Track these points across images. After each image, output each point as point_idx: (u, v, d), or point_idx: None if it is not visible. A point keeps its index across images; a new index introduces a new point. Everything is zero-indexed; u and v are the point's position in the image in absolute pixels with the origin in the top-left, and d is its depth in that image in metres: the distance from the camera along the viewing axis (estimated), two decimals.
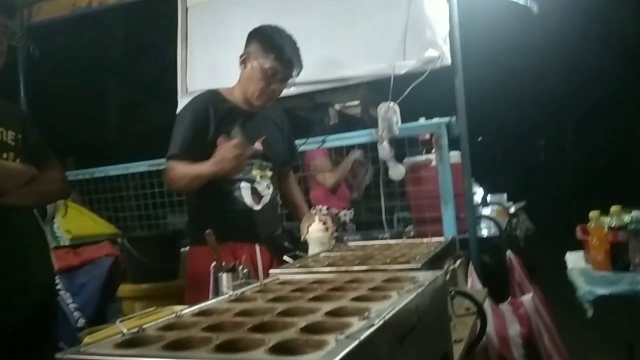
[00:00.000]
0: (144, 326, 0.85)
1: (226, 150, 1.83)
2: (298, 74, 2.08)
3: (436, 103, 3.01)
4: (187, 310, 0.95)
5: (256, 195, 2.04)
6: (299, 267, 1.43)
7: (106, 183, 3.29)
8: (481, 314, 1.46)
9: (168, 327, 0.85)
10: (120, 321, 0.86)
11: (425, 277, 1.05)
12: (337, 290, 1.02)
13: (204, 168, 1.88)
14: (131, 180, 3.19)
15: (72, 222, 3.10)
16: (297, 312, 0.86)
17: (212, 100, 2.04)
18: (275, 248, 2.08)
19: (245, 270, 1.53)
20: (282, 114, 2.27)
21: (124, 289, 2.62)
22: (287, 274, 1.33)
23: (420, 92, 2.43)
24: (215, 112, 2.00)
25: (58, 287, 2.88)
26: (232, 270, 1.48)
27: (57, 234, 3.04)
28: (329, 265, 1.40)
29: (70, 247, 3.01)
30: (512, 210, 3.71)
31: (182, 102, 3.01)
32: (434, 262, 1.38)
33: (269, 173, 2.11)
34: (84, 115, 5.36)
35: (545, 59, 10.23)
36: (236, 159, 1.82)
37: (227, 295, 1.08)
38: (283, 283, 1.19)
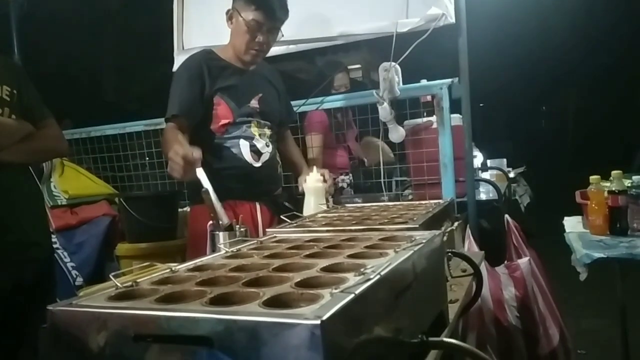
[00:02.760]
0: (138, 280, 0.84)
1: (176, 155, 1.63)
2: (283, 21, 2.02)
3: (438, 65, 2.95)
4: (182, 266, 0.95)
5: (255, 152, 2.03)
6: (296, 226, 1.42)
7: (103, 142, 3.26)
8: (477, 275, 1.46)
9: (162, 281, 0.84)
10: (114, 276, 0.85)
11: (423, 236, 1.04)
12: (333, 248, 1.01)
13: (167, 148, 1.78)
14: (128, 139, 3.15)
15: (69, 181, 3.09)
16: (293, 268, 0.85)
17: (205, 59, 2.02)
18: (276, 207, 2.09)
19: (242, 229, 1.52)
20: (277, 73, 2.24)
21: (122, 248, 2.63)
22: (284, 232, 1.32)
23: (422, 54, 2.37)
24: (209, 71, 1.98)
25: (56, 245, 2.89)
26: (230, 229, 1.47)
27: (54, 193, 3.03)
28: (326, 225, 1.39)
29: (68, 206, 3.01)
30: (511, 175, 3.70)
31: (179, 59, 2.95)
32: (431, 223, 1.37)
33: (268, 132, 2.10)
34: (80, 74, 5.27)
35: (549, 23, 10.00)
36: (176, 168, 1.63)
37: (222, 252, 1.07)
38: (279, 241, 1.18)
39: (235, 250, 1.07)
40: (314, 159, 2.80)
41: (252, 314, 0.60)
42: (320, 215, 1.65)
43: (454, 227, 1.62)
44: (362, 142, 3.13)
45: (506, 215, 2.42)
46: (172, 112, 1.92)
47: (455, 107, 2.39)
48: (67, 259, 2.88)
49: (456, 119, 2.45)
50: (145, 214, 2.50)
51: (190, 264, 0.97)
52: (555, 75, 12.19)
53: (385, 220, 1.37)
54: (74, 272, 2.87)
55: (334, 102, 2.62)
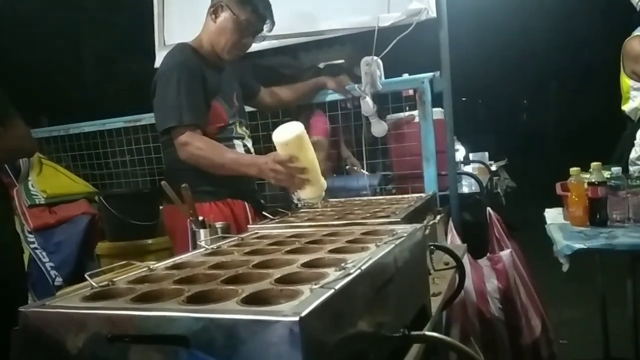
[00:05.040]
0: (114, 279, 0.82)
1: (267, 166, 1.67)
2: (270, 30, 2.04)
3: (419, 59, 2.95)
4: (160, 264, 0.93)
5: (247, 152, 2.05)
6: (278, 222, 1.41)
7: (82, 140, 3.19)
8: (460, 268, 1.46)
9: (139, 280, 0.82)
10: (90, 275, 0.83)
11: (405, 230, 1.03)
12: (314, 243, 1.00)
13: (239, 165, 1.80)
14: (108, 136, 3.09)
15: (47, 180, 3.03)
16: (273, 265, 0.84)
17: (197, 59, 1.96)
18: (259, 205, 2.10)
19: (220, 225, 1.51)
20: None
21: (102, 247, 2.58)
22: (266, 229, 1.31)
23: (403, 48, 2.37)
24: (204, 71, 1.94)
25: (34, 245, 2.84)
26: (203, 226, 1.45)
27: (32, 192, 2.97)
28: (308, 220, 1.38)
29: (46, 205, 2.95)
30: (493, 168, 3.73)
31: (160, 54, 2.91)
32: (414, 217, 1.37)
33: (247, 131, 2.12)
34: (58, 70, 5.16)
35: (531, 17, 10.10)
36: (274, 178, 1.68)
37: (202, 249, 1.05)
38: (261, 237, 1.17)
39: (215, 248, 1.06)
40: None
41: (229, 311, 0.59)
42: (302, 210, 1.64)
43: (436, 221, 1.62)
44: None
45: (488, 208, 2.43)
46: (188, 120, 1.82)
47: (437, 101, 2.39)
48: (46, 259, 2.84)
49: (438, 112, 2.45)
50: (125, 212, 2.46)
51: (168, 261, 0.95)
52: (536, 69, 12.32)
53: (368, 215, 1.37)
54: (52, 272, 2.82)
55: (316, 96, 2.60)
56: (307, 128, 3.08)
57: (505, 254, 2.17)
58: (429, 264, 1.42)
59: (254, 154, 2.07)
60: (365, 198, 1.85)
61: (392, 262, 0.85)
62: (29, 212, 2.90)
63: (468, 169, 3.63)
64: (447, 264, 1.55)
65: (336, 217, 1.38)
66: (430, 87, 2.33)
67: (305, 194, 1.62)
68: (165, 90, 1.88)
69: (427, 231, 1.46)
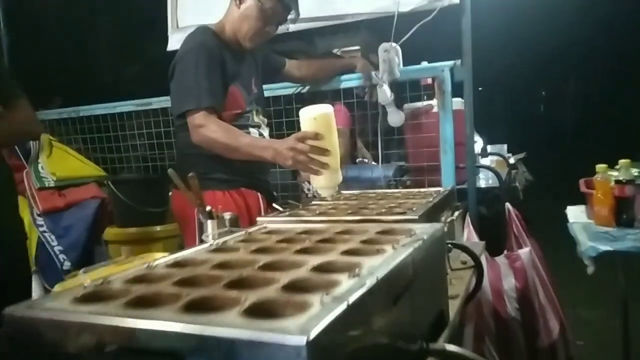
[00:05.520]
0: (110, 278, 0.76)
1: (287, 145, 1.59)
2: (294, 20, 1.98)
3: (438, 47, 2.85)
4: (161, 261, 0.86)
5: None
6: (289, 215, 1.34)
7: (93, 122, 3.15)
8: (478, 268, 1.39)
9: (136, 279, 0.76)
10: (84, 271, 0.77)
11: (423, 229, 0.96)
12: (326, 242, 0.93)
13: (254, 148, 1.72)
14: (119, 119, 3.05)
15: (57, 163, 3.00)
16: (281, 266, 0.77)
17: (218, 43, 1.90)
18: (271, 197, 2.05)
19: (228, 216, 1.45)
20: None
21: (110, 233, 2.55)
22: (276, 222, 1.24)
23: (423, 35, 2.28)
24: (224, 56, 1.88)
25: (43, 229, 2.82)
26: (210, 216, 1.39)
27: (41, 174, 2.95)
28: (320, 214, 1.31)
29: (56, 188, 2.92)
30: (511, 161, 3.62)
31: (173, 37, 2.85)
32: (432, 214, 1.29)
33: (265, 119, 2.06)
34: (73, 52, 5.12)
35: (555, 6, 9.83)
36: (292, 158, 1.59)
37: (207, 245, 0.99)
38: (269, 232, 1.10)
39: (220, 243, 0.99)
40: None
41: (229, 325, 0.52)
42: (314, 203, 1.56)
43: (454, 217, 1.54)
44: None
45: (507, 204, 2.34)
46: (206, 103, 1.76)
47: (456, 90, 2.30)
48: (55, 242, 2.82)
49: (457, 103, 2.35)
50: (134, 198, 2.42)
51: (170, 258, 0.89)
52: (559, 59, 12.04)
53: (383, 210, 1.30)
54: (61, 256, 2.80)
55: (330, 84, 2.52)
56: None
57: (524, 252, 2.08)
58: (446, 263, 1.35)
59: None
60: (380, 191, 1.77)
61: (410, 267, 0.78)
62: (39, 194, 2.88)
63: (485, 161, 3.53)
64: (464, 262, 1.47)
65: (349, 211, 1.30)
66: (450, 76, 2.23)
67: (319, 182, 1.53)
68: (184, 72, 1.83)
69: (445, 228, 1.38)
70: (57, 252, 2.81)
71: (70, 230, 2.84)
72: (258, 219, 1.29)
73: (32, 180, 2.90)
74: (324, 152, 1.50)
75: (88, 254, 2.84)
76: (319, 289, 0.63)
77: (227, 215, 1.48)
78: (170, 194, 2.54)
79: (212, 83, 1.81)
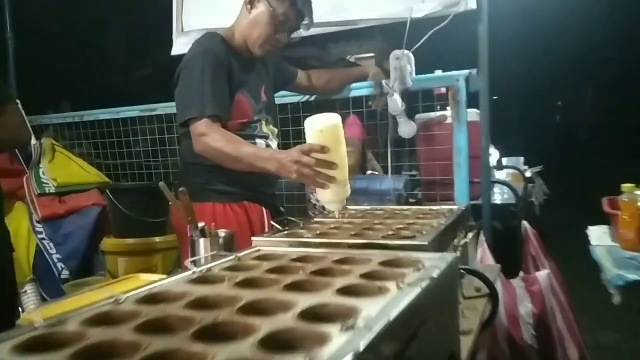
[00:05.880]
0: (66, 317, 0.66)
1: (292, 158, 1.45)
2: (308, 28, 1.88)
3: (452, 56, 2.74)
4: (132, 293, 0.76)
5: None
6: (287, 235, 1.23)
7: (96, 128, 3.08)
8: (493, 298, 1.27)
9: (96, 320, 0.65)
10: (70, 286, 0.67)
11: (433, 262, 0.85)
12: (322, 275, 0.82)
13: (257, 159, 1.59)
14: (123, 125, 2.97)
15: (59, 169, 2.93)
16: (264, 308, 0.66)
17: (226, 49, 1.80)
18: (278, 213, 1.93)
19: (223, 234, 1.34)
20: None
21: (107, 243, 2.45)
22: (270, 244, 1.13)
23: (437, 42, 2.17)
24: (231, 63, 1.78)
25: (42, 236, 2.74)
26: (203, 234, 1.29)
27: (43, 180, 2.88)
28: (320, 235, 1.20)
29: (56, 194, 2.85)
30: (528, 174, 3.47)
31: (178, 41, 2.77)
32: (443, 238, 1.17)
33: (275, 130, 1.96)
34: (79, 57, 5.07)
35: (574, 13, 9.63)
36: (297, 172, 1.45)
37: (190, 272, 0.89)
38: (261, 258, 0.99)
39: (205, 271, 0.89)
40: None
41: None
42: (316, 221, 1.46)
43: (468, 240, 1.42)
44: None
45: (524, 222, 2.21)
46: (210, 111, 1.65)
47: (470, 100, 2.18)
48: (53, 251, 2.74)
49: (472, 114, 2.23)
50: (133, 207, 2.33)
51: (144, 290, 0.78)
52: (574, 67, 11.81)
53: (390, 233, 1.18)
54: (59, 265, 2.73)
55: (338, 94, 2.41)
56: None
57: (542, 275, 1.94)
58: (459, 292, 1.23)
59: None
60: (388, 208, 1.66)
61: (416, 315, 0.66)
62: (39, 201, 2.81)
63: (500, 174, 3.39)
64: (478, 290, 1.35)
65: (353, 233, 1.19)
66: (466, 85, 2.11)
67: (326, 196, 1.41)
68: (189, 79, 1.74)
69: (459, 253, 1.27)
70: (56, 261, 2.73)
71: (69, 239, 2.76)
72: (253, 238, 1.19)
73: (33, 186, 2.83)
74: (331, 165, 1.38)
75: (87, 263, 2.76)
76: (303, 347, 0.52)
77: (222, 233, 1.38)
78: (170, 204, 2.45)
79: (217, 91, 1.71)
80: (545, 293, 1.93)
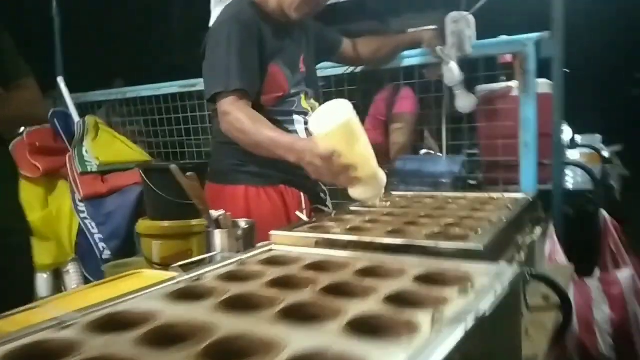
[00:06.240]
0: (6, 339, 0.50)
1: (306, 159, 1.25)
2: None
3: (518, 19, 2.42)
4: (94, 309, 0.60)
5: (309, 132, 1.64)
6: (311, 228, 1.04)
7: (139, 105, 3.00)
8: (566, 309, 1.04)
9: (32, 349, 0.49)
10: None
11: (488, 278, 0.63)
12: (334, 294, 0.62)
13: (276, 146, 1.40)
14: (163, 102, 2.87)
15: (102, 147, 2.88)
16: (242, 349, 0.48)
17: (256, 15, 1.60)
18: (317, 200, 1.73)
19: (244, 225, 1.18)
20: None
21: (142, 225, 2.35)
22: (287, 241, 0.94)
23: (500, 3, 1.88)
24: (263, 30, 1.59)
25: (84, 215, 2.71)
26: (218, 226, 1.12)
27: (85, 158, 2.84)
28: (350, 230, 1.00)
29: (99, 173, 2.80)
30: (605, 154, 3.08)
31: (216, 11, 2.62)
32: (504, 238, 0.94)
33: (316, 104, 1.74)
34: (127, 34, 5.07)
35: None
36: (314, 173, 1.24)
37: (175, 282, 0.72)
38: (270, 262, 0.81)
39: (192, 280, 0.71)
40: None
41: None
42: (352, 209, 1.25)
43: (535, 237, 1.17)
44: None
45: (602, 210, 1.91)
46: (235, 85, 1.49)
47: (540, 69, 1.88)
48: (95, 230, 2.70)
49: (542, 85, 1.94)
50: (166, 189, 2.20)
51: (108, 305, 0.62)
52: None
53: (436, 230, 0.96)
54: (101, 245, 2.68)
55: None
56: (391, 104, 2.70)
57: (624, 275, 1.66)
58: (522, 302, 1.00)
59: None
60: (439, 195, 1.43)
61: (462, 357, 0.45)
62: (81, 179, 2.77)
63: (573, 154, 3.02)
64: (546, 298, 1.12)
65: (390, 229, 0.98)
66: (535, 51, 1.82)
67: (356, 193, 1.20)
68: (214, 50, 1.56)
69: (523, 256, 1.03)
70: (97, 240, 2.70)
71: (111, 218, 2.71)
72: (271, 232, 1.01)
73: (75, 164, 2.80)
74: (347, 168, 1.13)
75: (129, 243, 2.70)
76: None
77: (242, 223, 1.21)
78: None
79: (244, 62, 1.52)
80: (627, 296, 1.64)
